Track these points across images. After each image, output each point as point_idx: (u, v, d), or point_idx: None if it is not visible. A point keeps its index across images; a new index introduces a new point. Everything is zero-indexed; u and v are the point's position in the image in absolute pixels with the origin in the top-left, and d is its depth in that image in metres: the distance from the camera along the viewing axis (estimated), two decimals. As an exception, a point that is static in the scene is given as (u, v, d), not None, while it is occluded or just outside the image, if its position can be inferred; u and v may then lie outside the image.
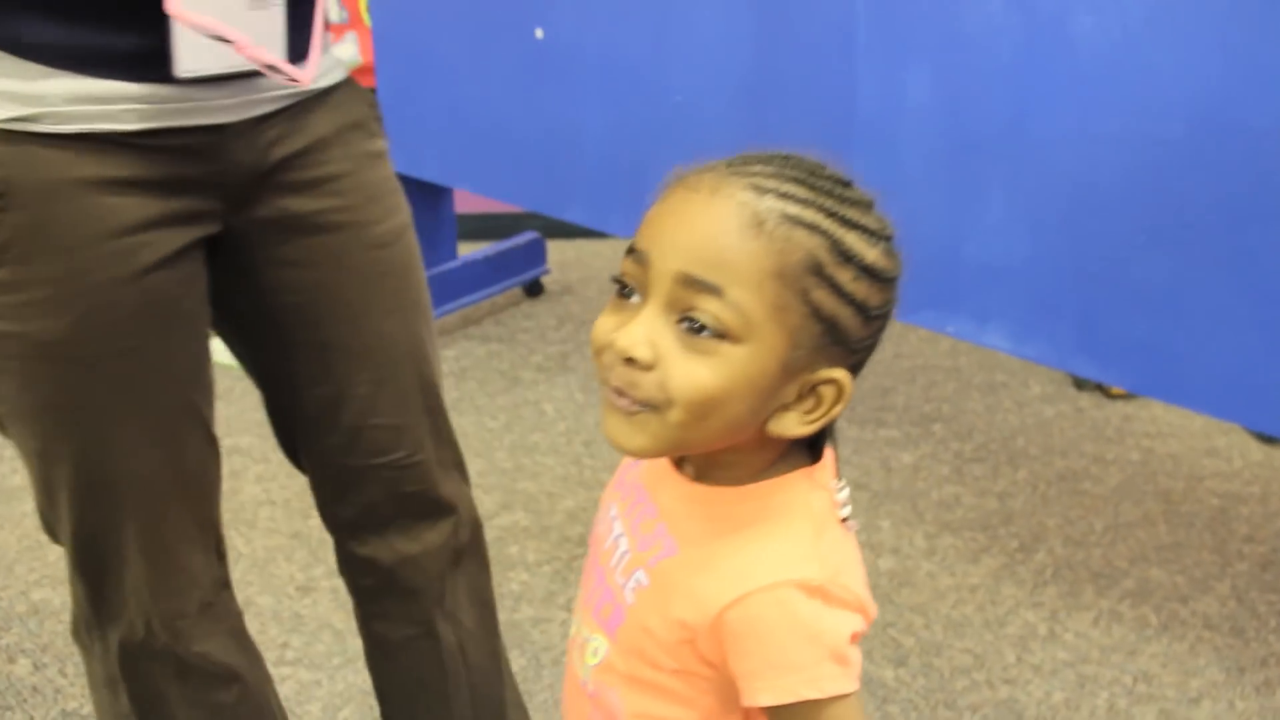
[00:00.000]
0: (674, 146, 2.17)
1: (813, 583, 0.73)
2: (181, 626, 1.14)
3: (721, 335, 0.70)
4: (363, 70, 3.41)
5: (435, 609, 1.30)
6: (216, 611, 1.18)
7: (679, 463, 0.81)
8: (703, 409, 0.71)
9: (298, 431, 1.24)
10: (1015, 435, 2.54)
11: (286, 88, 1.08)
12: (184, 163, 1.04)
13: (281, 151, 1.10)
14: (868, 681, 1.84)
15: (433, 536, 1.27)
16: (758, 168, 0.73)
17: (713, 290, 0.70)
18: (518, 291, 3.27)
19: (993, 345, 1.84)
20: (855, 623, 0.75)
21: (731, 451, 0.76)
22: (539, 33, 2.35)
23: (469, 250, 3.15)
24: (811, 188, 0.71)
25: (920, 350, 2.91)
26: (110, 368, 1.04)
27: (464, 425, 2.58)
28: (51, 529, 1.14)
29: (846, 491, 0.79)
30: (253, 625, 1.95)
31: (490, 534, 2.18)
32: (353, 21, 3.38)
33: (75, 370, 1.03)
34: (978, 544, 2.17)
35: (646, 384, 0.71)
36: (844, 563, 0.76)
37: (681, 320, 0.71)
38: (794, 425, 0.74)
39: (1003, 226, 1.76)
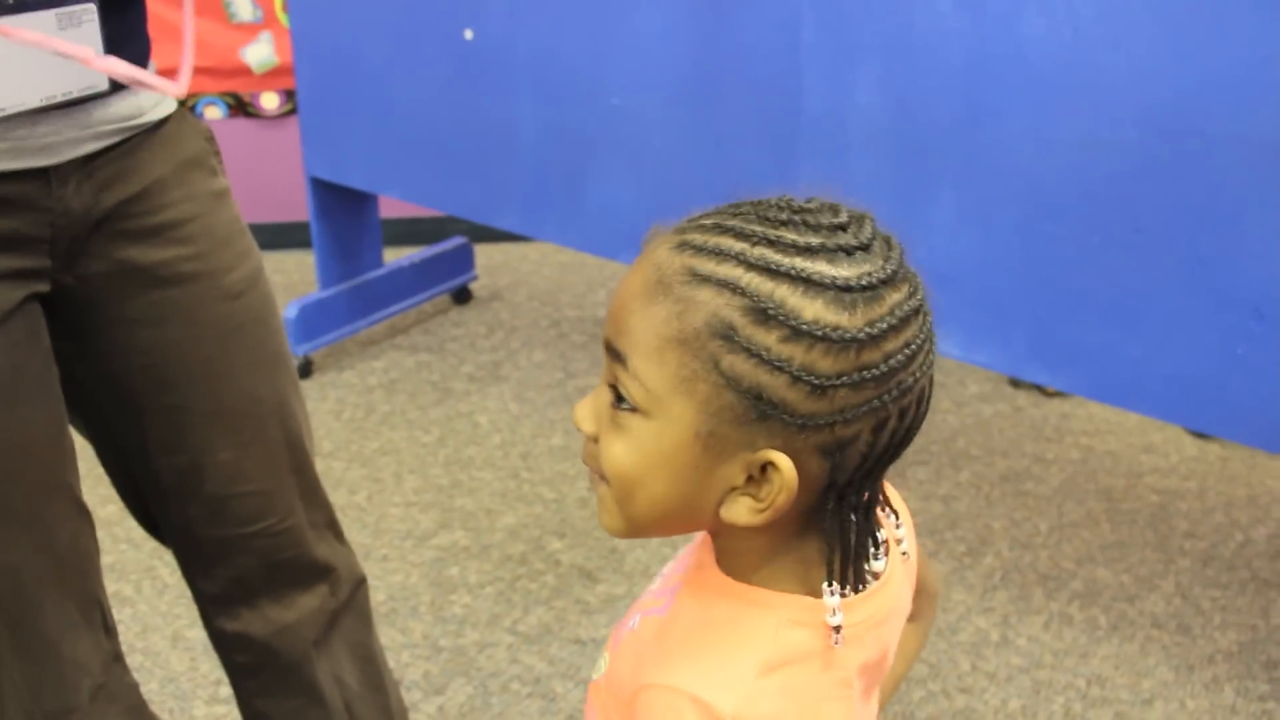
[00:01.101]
0: (612, 150, 2.12)
1: (714, 710, 0.64)
2: None
3: (634, 409, 0.65)
4: (279, 71, 3.31)
5: (317, 675, 1.22)
6: (109, 691, 1.09)
7: None
8: (624, 487, 0.66)
9: (153, 503, 1.14)
10: (956, 436, 2.53)
11: (113, 121, 0.97)
12: (3, 215, 0.93)
13: (115, 195, 0.99)
14: None
15: (308, 601, 1.19)
16: (704, 219, 0.65)
17: (620, 359, 0.65)
18: (446, 299, 3.18)
19: (944, 352, 1.81)
20: None
21: (726, 540, 0.70)
22: (468, 33, 2.28)
23: (394, 256, 3.06)
24: (745, 237, 0.62)
25: (856, 351, 2.90)
26: None
27: (396, 440, 2.50)
28: None
29: (836, 598, 0.67)
30: (182, 661, 1.87)
31: (429, 555, 2.13)
32: (267, 20, 3.26)
33: None
34: (925, 549, 2.14)
35: (592, 456, 0.69)
36: (779, 712, 0.66)
37: (612, 390, 0.66)
38: (744, 513, 0.65)
39: (953, 230, 1.73)
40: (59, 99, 0.92)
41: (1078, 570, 2.09)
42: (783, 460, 0.62)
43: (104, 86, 0.95)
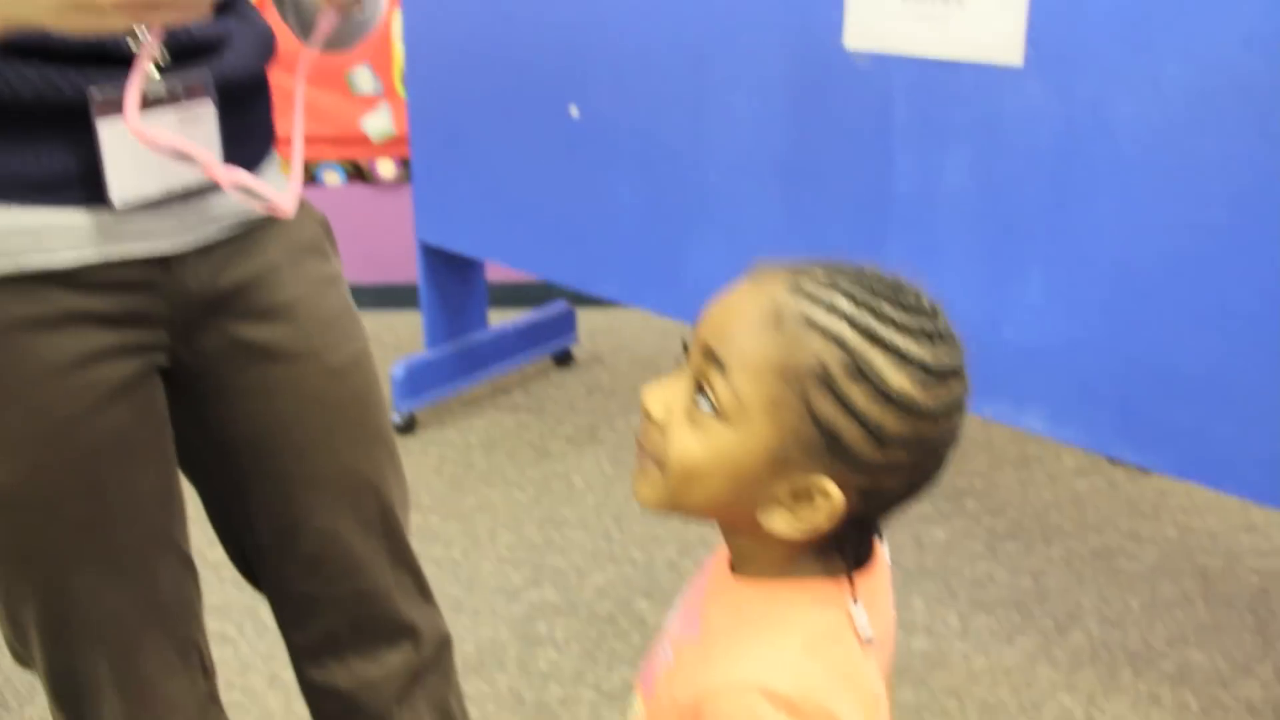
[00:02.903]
0: (708, 225, 2.19)
1: (778, 693, 0.71)
2: None
3: (718, 412, 0.72)
4: (396, 141, 3.46)
5: None
6: None
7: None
8: (684, 477, 0.74)
9: (253, 557, 1.21)
10: (1049, 510, 2.51)
11: (232, 215, 1.04)
12: (127, 296, 0.99)
13: (231, 278, 1.05)
14: (905, 768, 1.80)
15: (393, 659, 1.25)
16: (816, 271, 0.73)
17: (720, 366, 0.72)
18: (547, 361, 3.27)
19: (1031, 429, 1.83)
20: None
21: (750, 542, 0.78)
22: (574, 110, 2.38)
23: (499, 319, 3.16)
24: (855, 300, 0.71)
25: (950, 422, 2.90)
26: (69, 510, 1.00)
27: (493, 497, 2.58)
28: (23, 660, 1.12)
29: (863, 613, 0.76)
30: (278, 701, 1.95)
31: (518, 610, 2.19)
32: (386, 92, 3.42)
33: (31, 516, 0.99)
34: (1012, 624, 2.14)
35: (653, 440, 0.76)
36: (832, 686, 0.73)
37: (698, 389, 0.74)
38: (781, 524, 0.73)
39: (1041, 309, 1.75)
40: (179, 190, 0.99)
41: (1169, 651, 2.06)
42: (835, 492, 0.72)
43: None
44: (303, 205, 1.14)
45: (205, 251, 1.04)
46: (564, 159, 2.43)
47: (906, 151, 1.84)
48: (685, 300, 2.27)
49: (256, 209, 1.03)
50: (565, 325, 3.26)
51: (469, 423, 2.93)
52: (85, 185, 0.94)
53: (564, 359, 3.27)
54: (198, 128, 0.99)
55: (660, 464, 0.75)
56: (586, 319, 3.46)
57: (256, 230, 1.08)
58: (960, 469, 2.69)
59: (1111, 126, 1.63)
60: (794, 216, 2.02)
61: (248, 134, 1.06)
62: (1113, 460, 2.70)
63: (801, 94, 1.98)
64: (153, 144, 0.91)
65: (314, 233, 1.15)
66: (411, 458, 2.75)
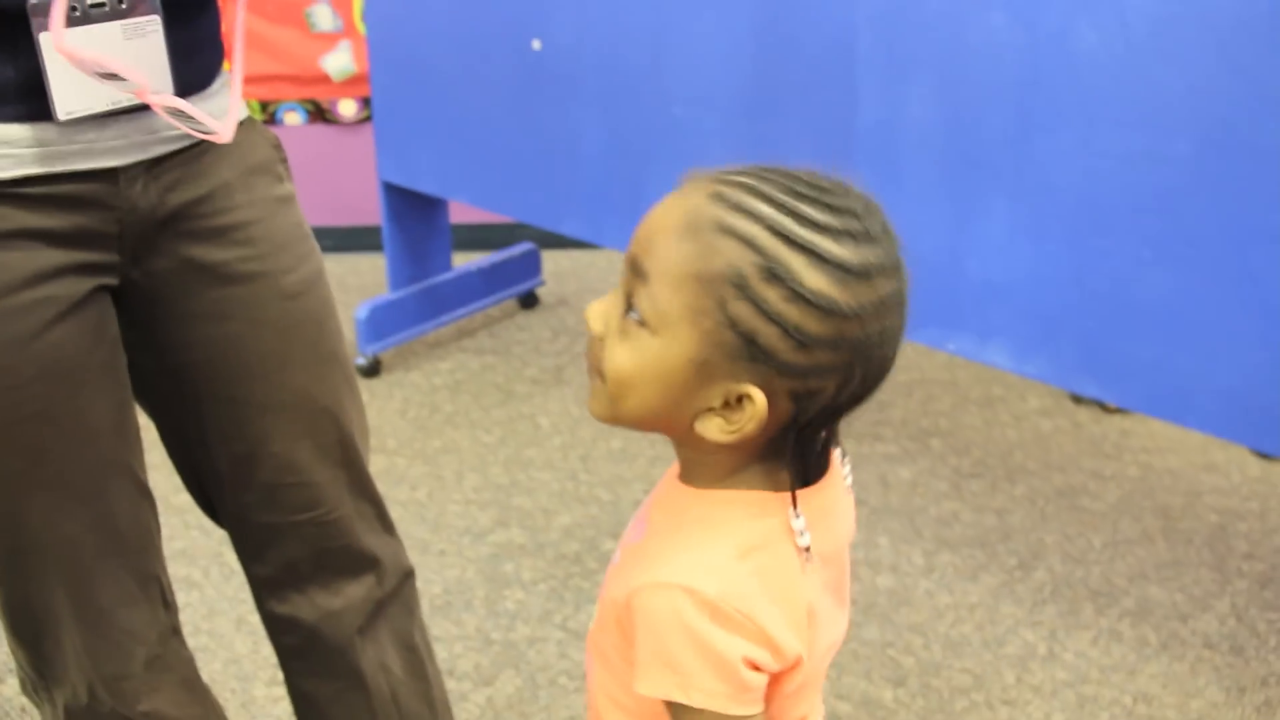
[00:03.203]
0: (672, 159, 2.16)
1: (702, 595, 0.72)
2: (126, 687, 1.11)
3: (643, 323, 0.73)
4: (357, 80, 3.40)
5: (360, 660, 1.26)
6: (165, 662, 1.14)
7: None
8: (618, 387, 0.75)
9: (211, 488, 1.19)
10: (1013, 450, 2.52)
11: (179, 128, 1.02)
12: (74, 211, 0.97)
13: (181, 197, 1.03)
14: (866, 702, 1.82)
15: (355, 589, 1.24)
16: (739, 177, 0.73)
17: (642, 277, 0.73)
18: (512, 303, 3.25)
19: (994, 363, 1.83)
20: (750, 651, 0.74)
21: (693, 452, 0.79)
22: (536, 44, 2.34)
23: (464, 261, 3.14)
24: (774, 203, 0.70)
25: (917, 364, 2.90)
26: (19, 435, 0.98)
27: (459, 439, 2.56)
28: None
29: (802, 521, 0.76)
30: (245, 644, 1.94)
31: (485, 551, 2.18)
32: (346, 29, 3.36)
33: None
34: (976, 561, 2.15)
35: (595, 354, 0.77)
36: (757, 591, 0.74)
37: (626, 300, 0.75)
38: (714, 430, 0.74)
39: (1005, 242, 1.74)
40: (124, 104, 0.97)
41: (1130, 587, 2.08)
42: (758, 395, 0.72)
43: (171, 93, 0.99)
44: (254, 126, 1.11)
45: (154, 169, 1.01)
46: (527, 93, 2.39)
47: (870, 83, 1.82)
48: (650, 239, 2.25)
49: (191, 134, 1.01)
50: (530, 267, 3.24)
51: (434, 365, 2.91)
52: (27, 98, 0.92)
53: (529, 301, 3.24)
54: (143, 42, 0.96)
55: (601, 376, 0.76)
56: (552, 260, 3.44)
57: (207, 149, 1.06)
58: (925, 409, 2.69)
59: (1075, 57, 1.61)
60: (758, 149, 1.99)
61: (196, 49, 1.04)
62: (1076, 400, 2.71)
63: (764, 25, 1.95)
64: (80, 63, 0.88)
65: (266, 154, 1.12)
66: (376, 400, 2.73)
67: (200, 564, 2.12)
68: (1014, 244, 1.74)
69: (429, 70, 2.59)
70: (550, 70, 2.34)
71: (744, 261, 0.69)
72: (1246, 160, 1.49)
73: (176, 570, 2.07)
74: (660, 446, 2.47)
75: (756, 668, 0.74)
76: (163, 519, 1.17)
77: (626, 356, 0.74)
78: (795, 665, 0.76)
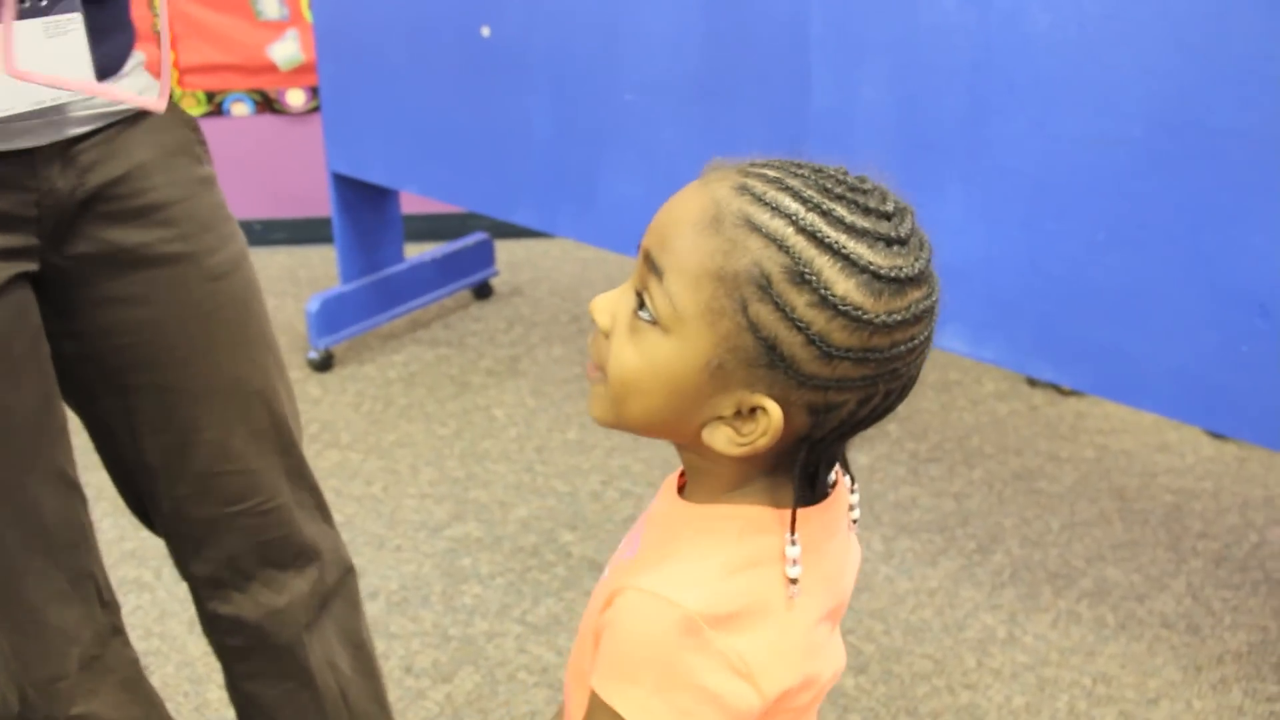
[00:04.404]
0: (624, 146, 2.14)
1: (681, 607, 0.67)
2: (60, 689, 1.07)
3: (654, 321, 0.68)
4: (305, 69, 3.35)
5: (309, 658, 1.23)
6: (104, 663, 1.11)
7: (681, 475, 0.81)
8: (622, 389, 0.71)
9: (143, 484, 1.16)
10: (970, 434, 2.53)
11: (95, 107, 1.00)
12: None
13: (99, 177, 1.01)
14: (828, 690, 1.81)
15: (299, 584, 1.21)
16: (766, 169, 0.68)
17: (657, 273, 0.68)
18: (466, 294, 3.21)
19: (950, 348, 1.82)
20: (718, 680, 0.67)
21: (698, 460, 0.74)
22: (485, 31, 2.30)
23: (416, 252, 3.10)
24: (803, 200, 0.65)
25: (873, 349, 2.90)
26: None
27: (414, 432, 2.53)
28: None
29: (797, 550, 0.70)
30: (199, 646, 1.90)
31: (442, 545, 2.15)
32: (293, 18, 3.30)
33: None
34: (935, 546, 2.15)
35: (600, 350, 0.73)
36: (742, 612, 0.69)
37: (637, 297, 0.70)
38: (722, 441, 0.69)
39: (960, 226, 1.74)
40: (48, 104, 0.95)
41: (1087, 569, 2.09)
42: (774, 408, 0.67)
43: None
44: (171, 107, 1.09)
45: (70, 150, 1.00)
46: (477, 81, 2.36)
47: (823, 67, 1.81)
48: (602, 226, 2.22)
49: (127, 101, 0.99)
50: (484, 257, 3.20)
51: (388, 358, 2.88)
52: None
53: (483, 291, 3.21)
54: (65, 39, 0.95)
55: (605, 375, 0.72)
56: (505, 250, 3.41)
57: (123, 130, 1.04)
58: (883, 394, 2.69)
59: (1028, 40, 1.60)
60: (710, 135, 1.98)
61: (109, 32, 1.01)
62: (1032, 383, 2.72)
63: (717, 9, 1.93)
64: (35, 83, 0.88)
65: (183, 135, 1.09)
66: (329, 395, 2.69)
67: (151, 565, 2.08)
68: (968, 228, 1.73)
69: (378, 59, 2.54)
70: (500, 58, 2.30)
71: (770, 261, 0.64)
72: (1198, 143, 1.50)
73: (127, 572, 2.03)
74: (618, 438, 2.45)
75: (719, 702, 0.68)
76: (110, 519, 1.14)
77: (634, 356, 0.69)
78: (782, 697, 0.71)
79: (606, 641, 0.71)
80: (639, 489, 2.29)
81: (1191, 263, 1.54)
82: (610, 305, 0.72)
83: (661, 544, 0.74)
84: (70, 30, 0.95)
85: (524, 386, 2.73)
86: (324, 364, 2.79)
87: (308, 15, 3.24)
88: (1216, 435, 2.48)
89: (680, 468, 0.81)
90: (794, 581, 0.70)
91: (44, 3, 0.93)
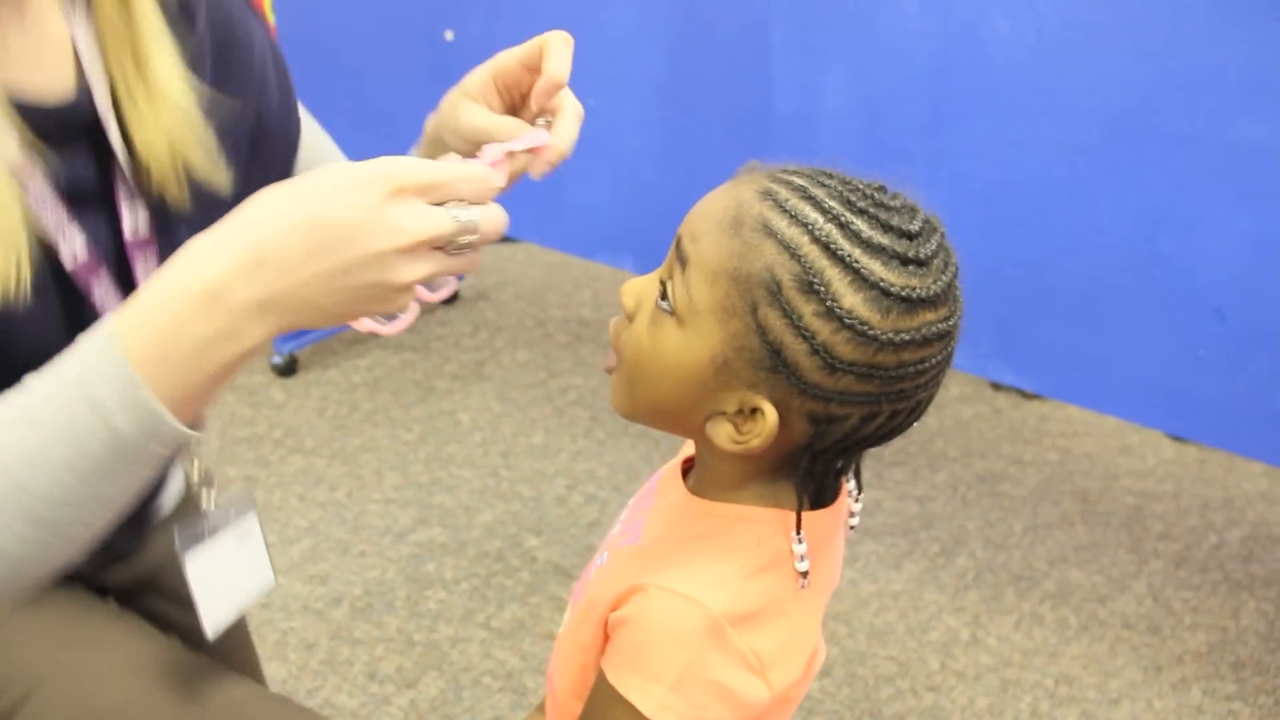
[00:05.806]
0: (588, 151, 2.13)
1: (707, 608, 0.70)
2: None
3: (671, 311, 0.70)
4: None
5: None
6: None
7: (686, 472, 0.82)
8: (634, 374, 0.73)
9: None
10: (934, 437, 2.54)
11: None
12: None
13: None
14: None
15: None
16: (794, 177, 0.69)
17: (682, 263, 0.70)
18: (432, 298, 3.20)
19: (912, 351, 1.83)
20: (736, 677, 0.70)
21: (707, 454, 0.76)
22: (449, 34, 2.30)
23: (381, 256, 3.07)
24: (824, 210, 0.65)
25: (839, 353, 2.91)
26: None
27: (378, 437, 2.52)
28: None
29: (804, 546, 0.72)
30: None
31: (406, 550, 2.14)
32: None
33: None
34: (899, 549, 2.16)
35: (617, 340, 0.75)
36: (760, 612, 0.71)
37: (661, 286, 0.71)
38: (723, 438, 0.70)
39: (921, 232, 1.75)
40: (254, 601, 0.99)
41: (1050, 571, 2.10)
42: (770, 411, 0.68)
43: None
44: None
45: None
46: (440, 85, 2.34)
47: (785, 73, 1.81)
48: (567, 231, 2.22)
49: None
50: (451, 262, 3.19)
51: (352, 363, 2.86)
52: None
53: (449, 296, 3.20)
54: (247, 540, 0.97)
55: (621, 363, 0.74)
56: (473, 255, 3.39)
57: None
58: (848, 398, 2.70)
59: (987, 46, 1.62)
60: (673, 140, 1.98)
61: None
62: (995, 387, 2.74)
63: (679, 14, 1.93)
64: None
65: None
66: (294, 399, 2.67)
67: None
68: (930, 233, 1.74)
69: (341, 62, 2.53)
70: (464, 61, 2.27)
71: (782, 268, 0.65)
72: (1155, 149, 1.51)
73: None
74: (581, 442, 2.45)
75: (732, 698, 0.71)
76: None
77: (647, 341, 0.72)
78: (785, 689, 0.74)
79: (627, 637, 0.72)
80: (604, 493, 2.29)
81: (1149, 267, 1.56)
82: (638, 290, 0.74)
83: (677, 540, 0.76)
84: (250, 532, 0.97)
85: (489, 391, 2.72)
86: (288, 369, 2.78)
87: (270, 17, 3.21)
88: (1177, 438, 2.50)
89: (682, 457, 0.84)
90: (804, 575, 0.73)
91: (230, 518, 0.95)
